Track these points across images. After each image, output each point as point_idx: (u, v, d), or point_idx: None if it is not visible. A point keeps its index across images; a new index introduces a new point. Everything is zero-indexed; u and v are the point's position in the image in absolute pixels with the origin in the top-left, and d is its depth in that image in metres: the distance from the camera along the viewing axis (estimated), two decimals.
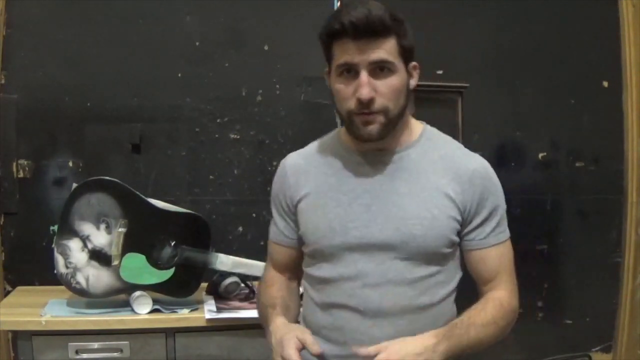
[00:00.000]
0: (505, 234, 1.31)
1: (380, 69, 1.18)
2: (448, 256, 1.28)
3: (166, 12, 2.25)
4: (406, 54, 1.22)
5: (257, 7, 2.31)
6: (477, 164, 1.29)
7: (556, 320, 2.57)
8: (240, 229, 2.32)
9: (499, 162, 2.50)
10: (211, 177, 2.30)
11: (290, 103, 2.35)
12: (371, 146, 1.27)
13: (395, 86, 1.20)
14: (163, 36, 2.24)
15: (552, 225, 2.57)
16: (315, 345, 1.17)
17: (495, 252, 1.29)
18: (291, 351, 1.14)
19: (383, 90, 1.19)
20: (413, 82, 1.26)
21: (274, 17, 2.32)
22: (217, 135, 2.30)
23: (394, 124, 1.24)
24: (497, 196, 1.29)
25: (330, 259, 1.29)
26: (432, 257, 1.25)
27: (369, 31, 1.15)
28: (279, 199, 1.39)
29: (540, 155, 2.57)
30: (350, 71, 1.19)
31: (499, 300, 1.27)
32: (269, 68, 2.32)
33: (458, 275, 1.33)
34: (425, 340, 1.14)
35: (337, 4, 2.35)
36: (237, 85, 2.31)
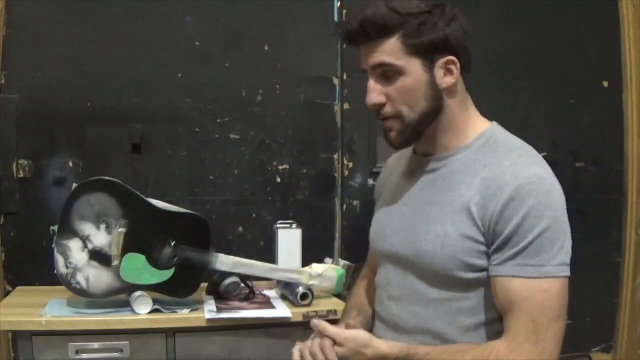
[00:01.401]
0: (539, 270, 1.02)
1: (386, 72, 1.12)
2: (475, 282, 1.08)
3: (166, 12, 2.25)
4: (423, 50, 1.10)
5: (257, 7, 2.31)
6: (513, 175, 1.06)
7: None
8: (240, 229, 2.32)
9: None
10: (211, 177, 2.30)
11: (290, 103, 2.35)
12: (420, 150, 1.21)
13: (405, 88, 1.11)
14: (163, 36, 2.24)
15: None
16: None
17: (514, 286, 1.03)
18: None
19: (392, 95, 1.12)
20: (448, 79, 1.13)
21: (274, 17, 2.32)
22: (217, 135, 2.30)
23: (415, 129, 1.13)
24: (530, 217, 1.02)
25: (378, 264, 1.29)
26: (449, 279, 1.09)
27: (363, 35, 1.11)
28: (375, 194, 1.40)
29: (540, 155, 2.56)
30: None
31: (490, 349, 1.04)
32: (269, 68, 2.32)
33: (495, 308, 1.09)
34: (380, 347, 1.11)
35: (337, 4, 2.35)
36: (237, 85, 2.31)
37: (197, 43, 2.27)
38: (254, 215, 2.33)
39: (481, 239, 1.07)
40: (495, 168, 1.09)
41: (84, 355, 1.68)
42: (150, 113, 2.24)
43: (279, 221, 2.19)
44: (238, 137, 2.31)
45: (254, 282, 1.95)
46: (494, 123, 1.22)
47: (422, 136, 1.15)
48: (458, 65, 1.14)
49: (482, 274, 1.08)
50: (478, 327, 1.10)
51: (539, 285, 1.02)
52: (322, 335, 1.15)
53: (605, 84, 2.61)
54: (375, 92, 1.13)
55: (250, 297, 1.92)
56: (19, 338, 1.67)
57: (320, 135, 2.38)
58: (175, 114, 2.27)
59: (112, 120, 2.21)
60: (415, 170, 1.22)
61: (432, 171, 1.18)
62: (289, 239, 2.13)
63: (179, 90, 2.26)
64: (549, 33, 2.55)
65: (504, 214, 1.04)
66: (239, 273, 1.87)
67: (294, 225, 2.16)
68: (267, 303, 1.89)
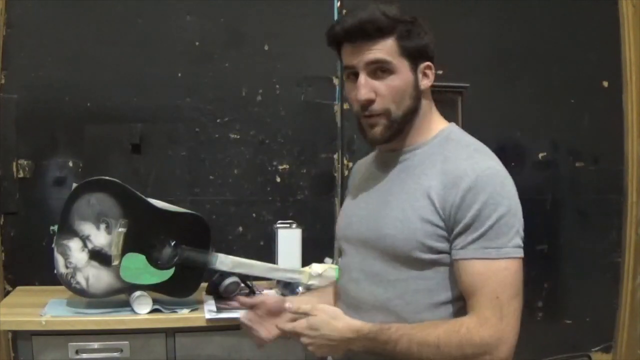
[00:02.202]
0: (498, 251, 1.13)
1: (380, 70, 1.20)
2: (431, 263, 1.18)
3: (166, 12, 2.25)
4: (411, 54, 1.21)
5: (257, 7, 2.31)
6: (471, 167, 1.16)
7: (556, 320, 2.57)
8: (240, 229, 2.32)
9: None
10: (211, 177, 2.30)
11: (290, 103, 2.35)
12: (386, 147, 1.29)
13: (396, 86, 1.20)
14: (163, 36, 2.24)
15: (552, 225, 2.57)
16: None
17: (476, 268, 1.13)
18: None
19: (383, 91, 1.20)
20: (425, 83, 1.24)
21: (274, 17, 2.32)
22: (217, 135, 2.30)
23: (399, 126, 1.23)
24: (488, 205, 1.13)
25: (342, 251, 1.38)
26: (407, 260, 1.19)
27: (362, 34, 1.19)
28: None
29: (540, 155, 2.57)
30: (355, 74, 1.22)
31: (460, 324, 1.12)
32: (269, 68, 2.32)
33: (455, 289, 1.18)
34: (343, 332, 1.18)
35: (337, 4, 2.35)
36: (237, 85, 2.31)
37: (197, 43, 2.27)
38: (254, 215, 2.33)
39: (441, 224, 1.17)
40: (453, 161, 1.19)
41: (84, 355, 1.68)
42: (150, 113, 2.24)
43: (279, 221, 2.19)
44: (238, 137, 2.31)
45: (254, 282, 1.95)
46: (452, 124, 1.32)
47: (402, 132, 1.25)
48: (434, 71, 1.25)
49: (439, 256, 1.18)
50: (433, 308, 1.19)
51: (499, 265, 1.13)
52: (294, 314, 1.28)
53: (605, 84, 2.61)
54: (367, 88, 1.20)
55: (250, 297, 1.91)
56: (19, 338, 1.67)
57: (320, 135, 2.38)
58: (175, 114, 2.26)
59: (112, 120, 2.21)
60: (382, 165, 1.32)
61: (397, 164, 1.28)
62: (289, 239, 2.13)
63: (179, 90, 2.26)
64: (549, 33, 2.55)
65: (464, 202, 1.14)
66: (239, 273, 1.87)
67: (294, 225, 2.16)
68: None
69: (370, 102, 1.20)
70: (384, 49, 1.19)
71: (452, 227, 1.16)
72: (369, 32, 1.18)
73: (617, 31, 2.60)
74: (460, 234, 1.15)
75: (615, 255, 2.63)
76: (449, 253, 1.17)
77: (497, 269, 1.13)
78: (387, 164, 1.30)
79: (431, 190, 1.18)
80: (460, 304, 1.18)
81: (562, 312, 2.59)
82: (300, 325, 1.21)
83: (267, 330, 1.40)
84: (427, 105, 1.27)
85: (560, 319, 2.58)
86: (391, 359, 1.16)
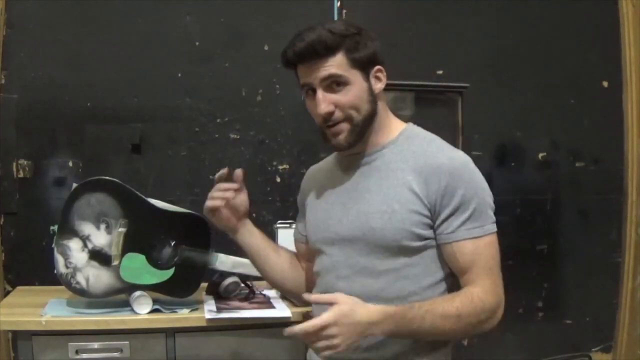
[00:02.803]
0: (483, 229, 1.29)
1: (335, 83, 1.30)
2: (418, 250, 1.30)
3: (166, 12, 2.25)
4: (361, 63, 1.31)
5: (257, 7, 2.31)
6: (446, 159, 1.30)
7: (556, 320, 2.57)
8: None
9: (499, 162, 2.50)
10: (211, 177, 2.27)
11: (290, 103, 2.35)
12: (350, 151, 1.38)
13: (353, 95, 1.31)
14: (163, 36, 2.25)
15: (552, 225, 2.57)
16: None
17: (468, 247, 1.28)
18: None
19: (341, 102, 1.31)
20: (379, 86, 1.35)
21: (274, 17, 2.32)
22: (217, 135, 2.30)
23: (362, 130, 1.33)
24: (469, 190, 1.28)
25: (318, 254, 1.43)
26: (397, 250, 1.30)
27: (313, 54, 1.29)
28: (298, 203, 1.60)
29: (540, 155, 2.57)
30: (313, 90, 1.33)
31: (470, 294, 1.26)
32: (269, 68, 2.32)
33: (441, 271, 1.33)
34: (372, 315, 1.19)
35: (337, 4, 2.35)
36: (237, 85, 2.31)
37: (197, 43, 2.28)
38: (254, 215, 2.32)
39: (426, 212, 1.29)
40: (425, 154, 1.32)
41: (84, 355, 1.68)
42: (150, 113, 2.24)
43: (279, 221, 2.18)
44: (238, 137, 2.31)
45: (254, 282, 1.95)
46: (410, 123, 1.43)
47: (364, 135, 1.35)
48: (385, 73, 1.36)
49: (424, 242, 1.30)
50: (422, 291, 1.31)
51: (484, 241, 1.29)
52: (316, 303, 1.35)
53: (605, 84, 2.61)
54: (325, 102, 1.31)
55: (250, 297, 1.92)
56: (19, 338, 1.67)
57: (320, 135, 2.37)
58: (175, 114, 2.27)
59: (112, 120, 2.21)
60: (347, 168, 1.41)
61: (365, 165, 1.38)
62: (289, 239, 2.12)
63: (179, 90, 2.26)
64: (549, 33, 2.55)
65: (447, 189, 1.28)
66: (239, 273, 1.87)
67: (294, 225, 2.15)
68: (267, 303, 1.89)
69: (331, 114, 1.31)
70: (335, 64, 1.29)
71: (437, 213, 1.29)
72: (319, 52, 1.28)
73: (617, 31, 2.60)
74: (446, 218, 1.29)
75: (615, 255, 2.63)
76: (434, 239, 1.31)
77: (484, 244, 1.29)
78: (352, 165, 1.40)
79: (412, 183, 1.30)
80: (446, 283, 1.33)
81: (562, 312, 2.59)
82: (330, 316, 1.16)
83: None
84: (383, 107, 1.38)
85: (560, 319, 2.58)
86: (410, 338, 1.26)
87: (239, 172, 1.51)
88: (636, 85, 2.59)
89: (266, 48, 2.33)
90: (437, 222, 1.30)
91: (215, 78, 2.29)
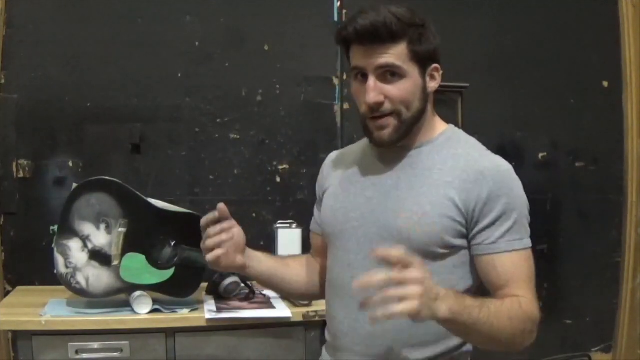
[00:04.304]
0: (523, 242, 1.20)
1: (390, 73, 1.19)
2: (443, 257, 1.20)
3: (166, 12, 2.25)
4: (421, 58, 1.21)
5: (257, 7, 2.31)
6: (490, 164, 1.22)
7: (556, 320, 2.57)
8: None
9: None
10: (211, 177, 2.30)
11: (290, 103, 2.35)
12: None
13: (406, 90, 1.20)
14: (163, 36, 2.24)
15: (552, 225, 2.57)
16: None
17: (508, 260, 1.19)
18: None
19: (393, 94, 1.20)
20: (433, 85, 1.25)
21: (274, 17, 2.32)
22: (217, 135, 2.30)
23: (407, 128, 1.23)
24: (511, 200, 1.19)
25: (334, 247, 1.32)
26: (421, 255, 1.15)
27: (374, 37, 1.17)
28: (316, 190, 1.46)
29: (540, 155, 2.57)
30: (364, 75, 1.22)
31: (518, 300, 1.16)
32: (269, 68, 2.32)
33: (464, 282, 1.23)
34: (439, 288, 1.05)
35: (337, 4, 2.35)
36: (237, 85, 2.31)
37: (197, 43, 2.27)
38: (254, 215, 2.33)
39: (461, 219, 1.19)
40: (468, 158, 1.23)
41: (84, 355, 1.68)
42: (150, 113, 2.24)
43: (279, 221, 2.19)
44: (238, 137, 2.31)
45: (254, 282, 1.95)
46: (451, 125, 1.34)
47: (410, 133, 1.25)
48: (441, 73, 1.26)
49: (451, 251, 1.21)
50: None
51: (523, 255, 1.21)
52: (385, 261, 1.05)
53: (605, 84, 2.61)
54: (376, 91, 1.20)
55: (250, 297, 1.92)
56: (19, 338, 1.67)
57: (320, 135, 2.38)
58: (175, 114, 2.26)
59: (112, 120, 2.21)
60: (385, 160, 1.29)
61: (399, 160, 1.27)
62: (289, 239, 2.13)
63: (179, 90, 2.26)
64: (549, 33, 2.55)
65: (491, 197, 1.18)
66: (239, 273, 1.87)
67: (294, 225, 2.16)
68: (267, 303, 1.89)
69: (380, 104, 1.20)
70: (396, 54, 1.18)
71: (475, 221, 1.19)
72: (382, 36, 1.17)
73: (617, 31, 2.60)
74: (486, 228, 1.19)
75: (615, 255, 2.63)
76: (464, 248, 1.21)
77: (522, 258, 1.20)
78: (385, 158, 1.29)
79: (449, 186, 1.20)
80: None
81: (562, 312, 2.58)
82: (421, 272, 1.02)
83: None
84: (431, 106, 1.29)
85: (560, 319, 2.58)
86: (460, 335, 1.16)
87: (221, 207, 1.33)
88: (636, 85, 2.59)
89: (266, 48, 2.33)
90: (475, 231, 1.20)
91: (215, 78, 2.29)
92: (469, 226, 1.20)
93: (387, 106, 1.20)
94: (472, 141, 1.30)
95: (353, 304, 1.21)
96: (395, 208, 1.23)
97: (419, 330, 1.19)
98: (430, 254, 1.19)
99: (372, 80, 1.19)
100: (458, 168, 1.22)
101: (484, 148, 1.28)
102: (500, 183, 1.19)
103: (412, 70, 1.20)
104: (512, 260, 1.19)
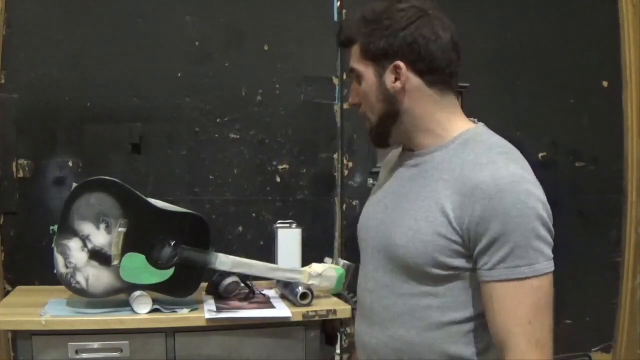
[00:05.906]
0: (532, 269, 1.02)
1: (356, 76, 1.19)
2: (445, 279, 1.08)
3: (166, 12, 2.25)
4: (375, 56, 1.13)
5: (257, 7, 2.31)
6: (488, 177, 1.03)
7: (556, 320, 2.56)
8: (240, 229, 2.32)
9: None
10: (211, 177, 2.30)
11: (290, 103, 2.35)
12: (406, 147, 1.23)
13: (363, 91, 1.17)
14: (163, 36, 2.24)
15: (552, 225, 2.56)
16: None
17: (507, 290, 1.01)
18: None
19: (361, 97, 1.20)
20: (396, 85, 1.13)
21: (274, 17, 2.32)
22: (217, 135, 2.30)
23: (378, 130, 1.19)
24: (514, 217, 1.00)
25: (361, 254, 1.29)
26: (419, 275, 1.09)
27: (340, 43, 1.21)
28: None
29: (540, 155, 2.57)
30: None
31: None
32: (269, 68, 2.32)
33: (471, 308, 1.09)
34: None
35: (337, 4, 2.35)
36: (237, 85, 2.31)
37: (197, 43, 2.27)
38: (254, 215, 2.33)
39: (456, 238, 1.05)
40: (472, 167, 1.07)
41: (84, 355, 1.68)
42: (150, 113, 2.24)
43: (279, 221, 2.19)
44: (238, 137, 2.31)
45: (254, 282, 1.95)
46: (481, 124, 1.21)
47: (390, 136, 1.19)
48: (403, 71, 1.12)
49: (454, 273, 1.07)
50: (445, 326, 1.10)
51: (531, 285, 1.02)
52: None
53: (605, 84, 2.61)
54: (353, 93, 1.21)
55: (250, 297, 1.92)
56: (19, 338, 1.67)
57: (320, 135, 2.38)
58: (175, 114, 2.26)
59: (112, 120, 2.21)
60: (399, 165, 1.23)
61: (412, 167, 1.18)
62: (289, 239, 2.13)
63: (179, 90, 2.26)
64: (549, 33, 2.56)
65: (485, 214, 1.02)
66: (239, 273, 1.87)
67: (294, 225, 2.16)
68: (267, 303, 1.89)
69: (357, 106, 1.22)
70: (355, 57, 1.17)
71: (473, 242, 1.04)
72: (342, 42, 1.20)
73: (617, 31, 2.60)
74: (484, 251, 1.03)
75: (615, 255, 2.63)
76: (470, 270, 1.06)
77: (529, 289, 1.02)
78: (403, 164, 1.21)
79: (446, 200, 1.06)
80: (475, 323, 1.09)
81: (562, 312, 2.58)
82: None
83: None
84: (424, 107, 1.15)
85: (560, 319, 2.58)
86: None
87: None
88: (636, 85, 2.59)
89: (266, 48, 2.33)
90: (476, 252, 1.04)
91: (215, 78, 2.29)
92: (470, 245, 1.05)
93: (361, 110, 1.21)
94: (491, 143, 1.14)
95: (366, 317, 1.21)
96: (398, 222, 1.14)
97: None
98: (428, 276, 1.08)
99: (354, 82, 1.21)
100: (459, 179, 1.07)
101: (503, 152, 1.11)
102: (496, 201, 1.01)
103: (366, 70, 1.15)
104: (511, 291, 1.01)
